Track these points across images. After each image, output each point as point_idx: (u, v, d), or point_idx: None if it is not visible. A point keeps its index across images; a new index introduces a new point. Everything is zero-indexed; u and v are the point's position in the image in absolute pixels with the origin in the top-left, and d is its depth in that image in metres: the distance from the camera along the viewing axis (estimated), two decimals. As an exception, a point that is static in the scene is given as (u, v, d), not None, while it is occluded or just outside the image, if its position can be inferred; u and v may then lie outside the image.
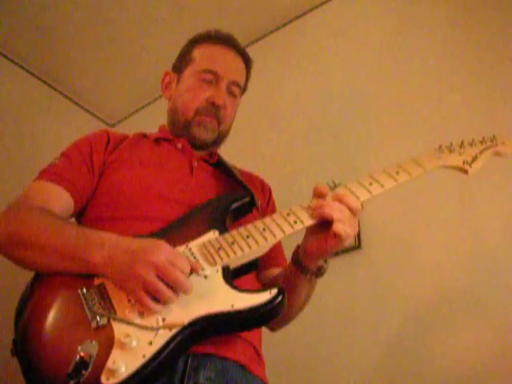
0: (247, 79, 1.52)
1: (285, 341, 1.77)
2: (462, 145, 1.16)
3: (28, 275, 1.07)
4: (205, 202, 1.22)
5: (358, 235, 1.97)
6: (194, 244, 1.08)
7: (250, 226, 1.08)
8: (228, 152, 1.52)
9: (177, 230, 1.13)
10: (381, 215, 1.95)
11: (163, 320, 0.93)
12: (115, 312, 0.95)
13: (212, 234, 1.10)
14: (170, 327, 0.92)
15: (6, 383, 2.02)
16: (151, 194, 1.23)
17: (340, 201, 1.05)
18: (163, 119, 1.51)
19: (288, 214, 1.08)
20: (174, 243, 1.04)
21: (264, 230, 1.07)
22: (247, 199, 1.25)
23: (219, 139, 1.44)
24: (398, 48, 2.26)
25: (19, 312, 1.01)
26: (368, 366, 1.81)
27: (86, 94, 3.10)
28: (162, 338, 0.91)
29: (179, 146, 1.40)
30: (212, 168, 1.41)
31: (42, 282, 1.04)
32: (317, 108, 2.41)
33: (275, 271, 1.33)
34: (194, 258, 1.04)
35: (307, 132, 2.39)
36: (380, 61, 2.28)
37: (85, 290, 0.99)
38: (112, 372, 0.86)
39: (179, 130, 1.42)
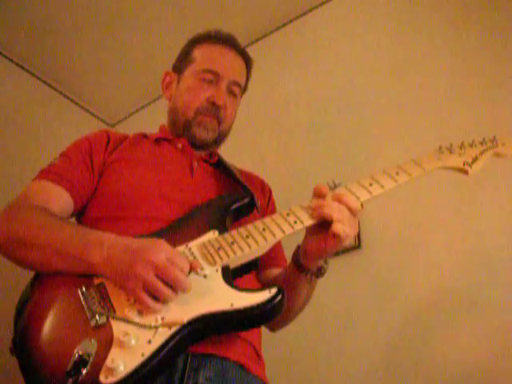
0: (247, 79, 1.52)
1: (285, 341, 1.77)
2: (462, 146, 1.16)
3: (28, 275, 1.07)
4: (205, 202, 1.22)
5: (358, 235, 1.97)
6: (194, 244, 1.08)
7: (249, 226, 1.08)
8: (228, 152, 1.52)
9: (177, 230, 1.13)
10: (381, 215, 1.95)
11: (162, 319, 0.93)
12: (114, 311, 0.95)
13: (212, 234, 1.10)
14: (169, 326, 0.92)
15: (5, 382, 2.03)
16: (151, 194, 1.23)
17: (340, 201, 1.05)
18: (163, 119, 1.51)
19: (288, 214, 1.08)
20: (174, 243, 1.04)
21: (264, 230, 1.07)
22: (247, 199, 1.25)
23: (219, 139, 1.44)
24: (397, 48, 2.26)
25: (19, 311, 1.01)
26: (368, 366, 1.81)
27: (85, 94, 3.10)
28: (161, 336, 0.91)
29: (179, 146, 1.40)
30: (212, 168, 1.41)
31: (42, 282, 1.04)
32: (317, 108, 2.41)
33: (275, 271, 1.33)
34: (194, 257, 1.04)
35: (307, 132, 2.39)
36: (380, 61, 2.29)
37: (84, 290, 0.99)
38: (111, 370, 0.86)
39: (179, 129, 1.42)
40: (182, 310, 0.94)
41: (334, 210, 1.03)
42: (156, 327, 0.92)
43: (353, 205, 1.05)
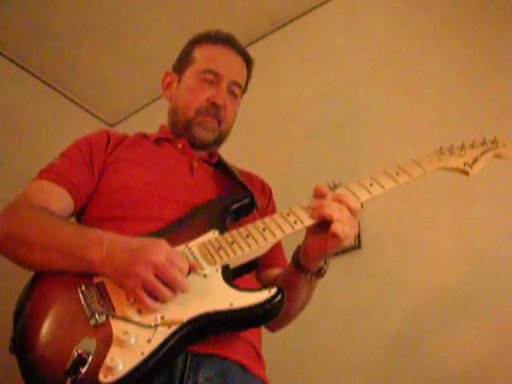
0: (248, 79, 1.52)
1: (285, 341, 1.77)
2: (462, 147, 1.17)
3: (28, 275, 1.07)
4: (205, 202, 1.22)
5: (358, 235, 1.97)
6: (194, 244, 1.08)
7: (249, 226, 1.08)
8: (228, 152, 1.52)
9: (177, 230, 1.13)
10: (381, 215, 1.95)
11: (162, 318, 0.93)
12: (114, 310, 0.95)
13: (212, 234, 1.10)
14: (168, 325, 0.92)
15: (4, 382, 2.02)
16: (151, 194, 1.23)
17: (340, 201, 1.05)
18: (163, 119, 1.51)
19: (288, 214, 1.08)
20: (174, 243, 1.04)
21: (264, 229, 1.07)
22: (247, 200, 1.25)
23: (219, 139, 1.44)
24: (397, 48, 2.26)
25: (18, 310, 1.01)
26: (368, 366, 1.81)
27: (85, 94, 3.10)
28: (161, 335, 0.91)
29: (179, 146, 1.40)
30: (212, 168, 1.41)
31: (41, 281, 1.04)
32: (317, 108, 2.41)
33: (275, 272, 1.33)
34: (194, 257, 1.04)
35: (307, 132, 2.39)
36: (380, 61, 2.29)
37: (84, 288, 0.99)
38: (110, 369, 0.86)
39: (180, 130, 1.42)
40: (182, 310, 0.94)
41: (334, 210, 1.03)
42: (156, 326, 0.92)
43: (353, 205, 1.05)
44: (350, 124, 2.26)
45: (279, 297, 0.96)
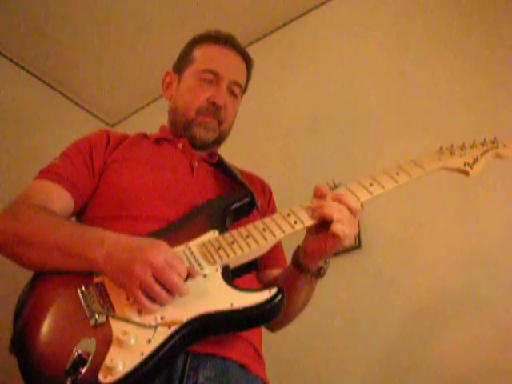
0: (248, 79, 1.52)
1: (285, 341, 1.77)
2: (463, 147, 1.16)
3: (28, 275, 1.07)
4: (205, 202, 1.22)
5: (358, 235, 1.97)
6: (194, 243, 1.08)
7: (249, 226, 1.08)
8: (228, 152, 1.52)
9: (177, 230, 1.13)
10: (381, 215, 1.95)
11: (162, 318, 0.93)
12: (114, 310, 0.95)
13: (212, 234, 1.10)
14: (168, 325, 0.92)
15: (4, 381, 2.02)
16: (151, 194, 1.23)
17: (340, 201, 1.05)
18: (163, 119, 1.51)
19: (288, 214, 1.08)
20: (174, 243, 1.04)
21: (264, 229, 1.07)
22: (247, 199, 1.25)
23: (220, 139, 1.44)
24: (397, 48, 2.26)
25: (18, 310, 1.01)
26: (368, 366, 1.81)
27: (85, 94, 3.10)
28: (161, 335, 0.91)
29: (180, 146, 1.40)
30: (212, 168, 1.41)
31: (41, 281, 1.04)
32: (317, 108, 2.41)
33: (275, 272, 1.33)
34: (194, 257, 1.04)
35: (307, 132, 2.39)
36: (380, 61, 2.29)
37: (83, 288, 0.99)
38: (110, 369, 0.86)
39: (180, 130, 1.41)
40: (182, 310, 0.94)
41: (334, 210, 1.03)
42: (155, 326, 0.92)
43: (353, 205, 1.05)
44: (350, 124, 2.26)
45: (279, 297, 0.96)
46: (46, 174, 1.23)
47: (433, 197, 1.90)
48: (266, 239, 1.05)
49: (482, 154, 1.15)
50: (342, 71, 2.40)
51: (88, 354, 0.89)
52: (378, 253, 1.95)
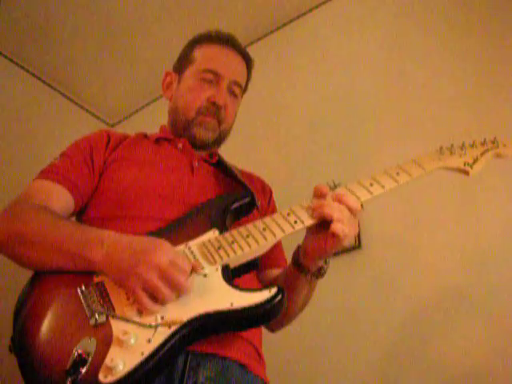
0: (248, 79, 1.52)
1: (285, 341, 1.77)
2: (463, 146, 1.16)
3: (28, 274, 1.07)
4: (205, 202, 1.22)
5: (358, 235, 1.97)
6: (194, 243, 1.08)
7: (250, 226, 1.08)
8: (228, 152, 1.52)
9: (177, 230, 1.13)
10: (381, 215, 1.95)
11: (162, 318, 0.93)
12: (114, 310, 0.95)
13: (212, 234, 1.10)
14: (168, 325, 0.92)
15: (4, 381, 2.02)
16: (151, 194, 1.23)
17: (340, 201, 1.05)
18: (163, 119, 1.51)
19: (288, 214, 1.08)
20: (174, 242, 1.04)
21: (264, 229, 1.07)
22: (248, 199, 1.25)
23: (220, 139, 1.44)
24: (397, 48, 2.26)
25: (18, 310, 1.01)
26: (368, 366, 1.81)
27: (85, 94, 3.10)
28: (161, 335, 0.91)
29: (180, 146, 1.40)
30: (212, 168, 1.41)
31: (41, 280, 1.04)
32: (317, 108, 2.41)
33: (275, 272, 1.33)
34: (194, 257, 1.04)
35: (307, 132, 2.39)
36: (380, 61, 2.29)
37: (84, 288, 0.99)
38: (110, 369, 0.86)
39: (180, 130, 1.41)
40: (182, 310, 0.94)
41: (334, 210, 1.03)
42: (155, 326, 0.92)
43: (353, 205, 1.05)
44: (350, 124, 2.26)
45: (279, 297, 0.96)
46: (46, 173, 1.23)
47: (433, 197, 1.90)
48: (266, 239, 1.05)
49: (481, 154, 1.15)
50: (342, 71, 2.40)
51: (88, 354, 0.89)
52: (378, 253, 1.96)
